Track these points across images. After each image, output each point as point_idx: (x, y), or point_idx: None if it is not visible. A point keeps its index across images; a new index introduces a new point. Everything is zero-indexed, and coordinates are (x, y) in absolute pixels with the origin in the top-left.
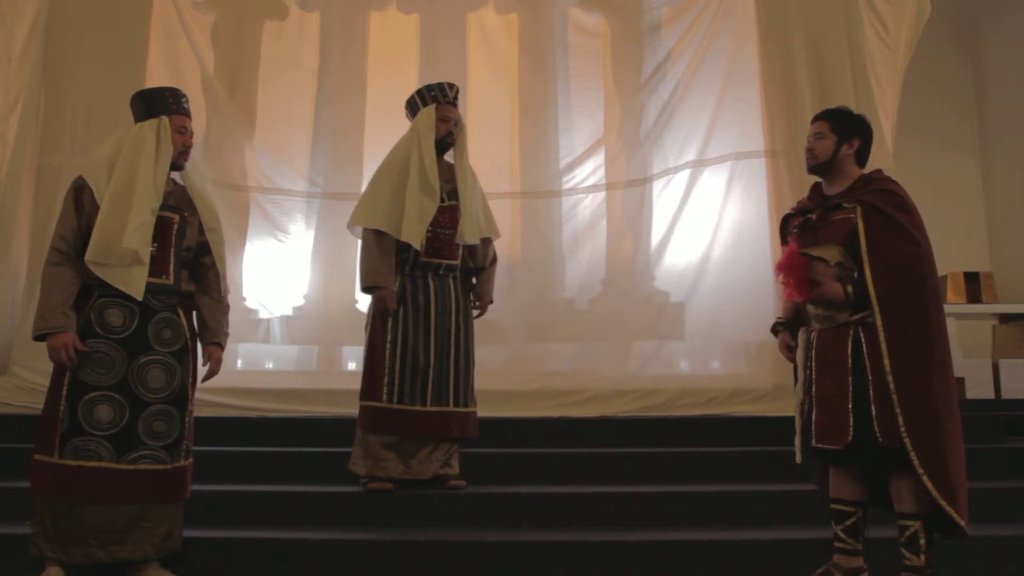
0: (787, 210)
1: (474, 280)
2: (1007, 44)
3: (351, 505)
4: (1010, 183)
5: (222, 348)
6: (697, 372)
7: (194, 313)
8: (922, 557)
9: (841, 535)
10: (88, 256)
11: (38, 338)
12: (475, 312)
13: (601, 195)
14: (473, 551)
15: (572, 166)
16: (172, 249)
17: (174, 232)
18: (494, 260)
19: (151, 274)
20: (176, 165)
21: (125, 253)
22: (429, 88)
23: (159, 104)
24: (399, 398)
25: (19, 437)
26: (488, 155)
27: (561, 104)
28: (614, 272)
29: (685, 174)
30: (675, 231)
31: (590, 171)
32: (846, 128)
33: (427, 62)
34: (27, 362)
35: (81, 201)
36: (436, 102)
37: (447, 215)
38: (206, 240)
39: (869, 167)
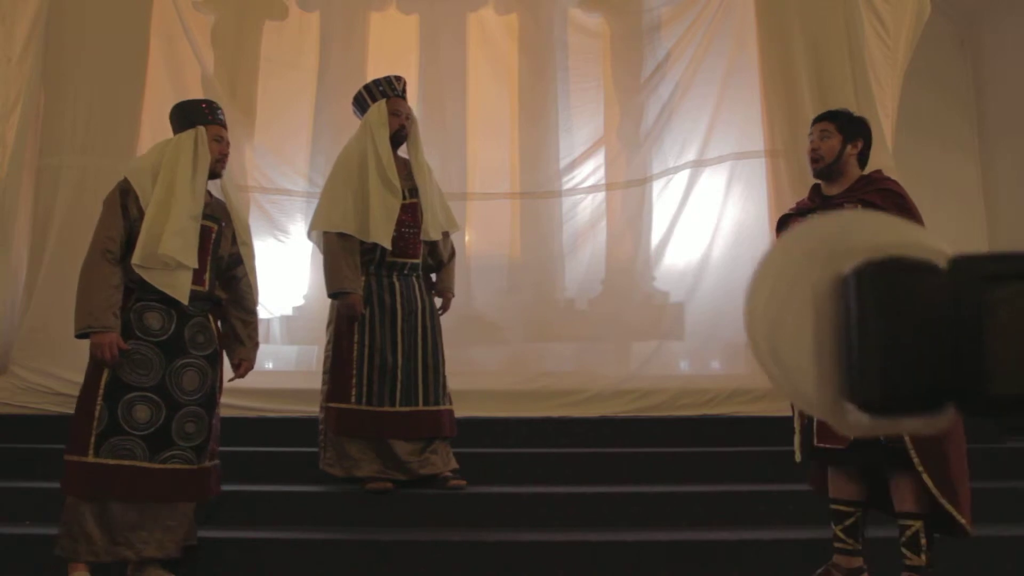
0: (787, 210)
1: (433, 277)
2: (1007, 44)
3: (351, 505)
4: (1010, 183)
5: (252, 362)
6: (697, 372)
7: (220, 322)
8: (923, 557)
9: (840, 535)
10: (135, 260)
11: (81, 335)
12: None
13: (601, 195)
14: (473, 551)
15: (572, 166)
16: (209, 257)
17: (212, 241)
18: (452, 255)
19: None
20: (214, 173)
21: (165, 259)
22: (377, 83)
23: (195, 115)
24: (368, 399)
25: (19, 437)
26: (488, 155)
27: (561, 104)
28: (614, 272)
29: (685, 174)
30: (675, 231)
31: (590, 171)
32: (851, 129)
33: (427, 62)
34: (27, 362)
35: (126, 204)
36: (386, 96)
37: (409, 212)
38: (238, 252)
39: (869, 167)
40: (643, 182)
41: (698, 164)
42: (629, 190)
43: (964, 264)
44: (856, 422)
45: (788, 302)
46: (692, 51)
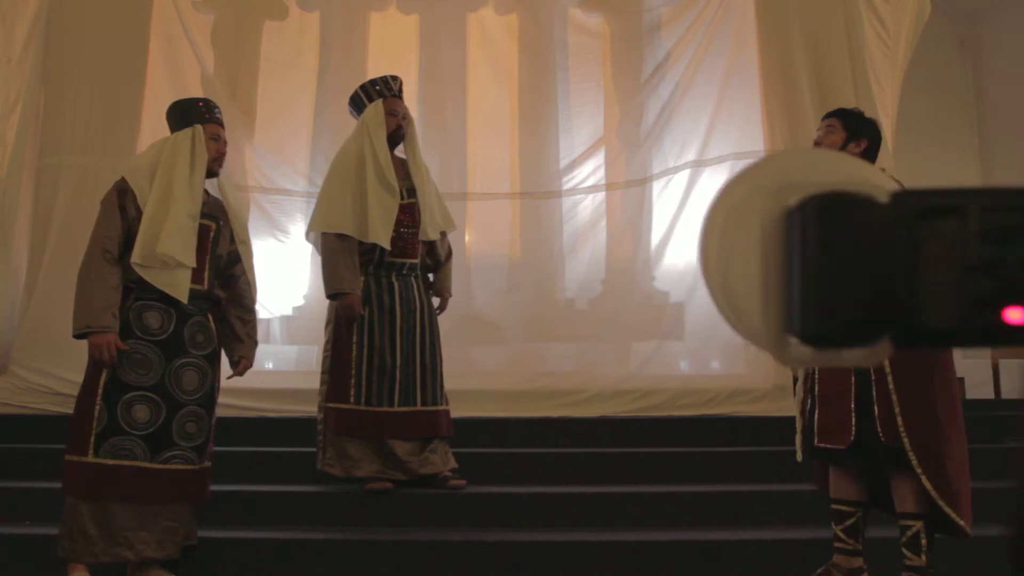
0: None
1: (431, 277)
2: (1007, 44)
3: (351, 505)
4: (1010, 183)
5: (251, 360)
6: (697, 372)
7: (218, 320)
8: (923, 557)
9: (841, 535)
10: (134, 259)
11: (79, 335)
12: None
13: (601, 195)
14: (473, 551)
15: (572, 166)
16: (208, 256)
17: (210, 240)
18: (450, 254)
19: None
20: (211, 172)
21: (164, 258)
22: (373, 82)
23: (193, 113)
24: (367, 399)
25: (19, 437)
26: (488, 155)
27: (561, 104)
28: (614, 272)
29: (685, 174)
30: (675, 231)
31: (590, 171)
32: (856, 127)
33: (427, 63)
34: (27, 362)
35: (124, 204)
36: (382, 96)
37: (407, 213)
38: (236, 250)
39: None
40: (643, 182)
41: (698, 164)
42: (629, 190)
43: (901, 199)
44: (799, 355)
45: (738, 238)
46: (692, 51)
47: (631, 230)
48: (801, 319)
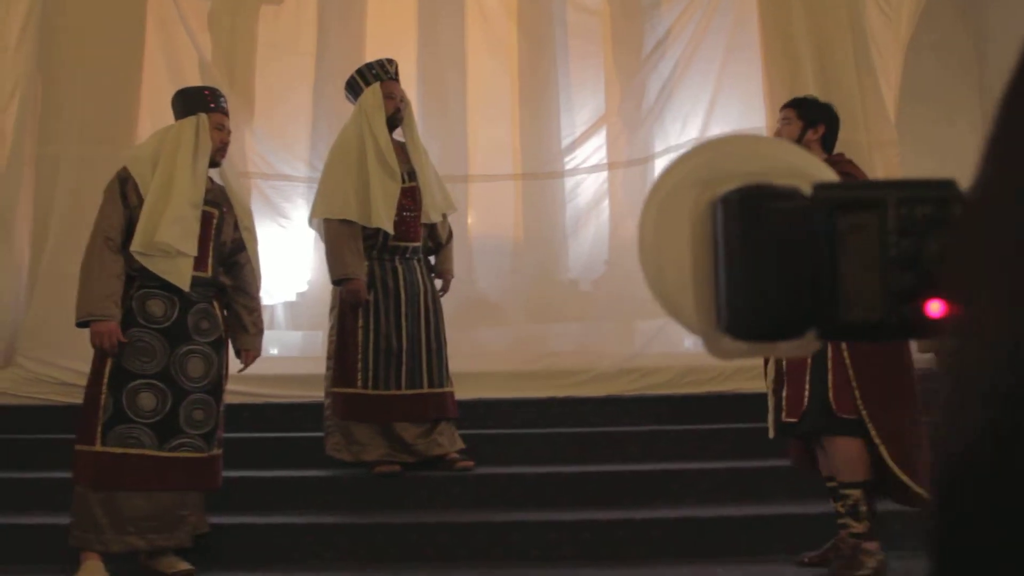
0: None
1: (432, 259)
2: (1009, 12)
3: (360, 489)
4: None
5: (258, 351)
6: (701, 350)
7: (226, 309)
8: (864, 523)
9: (842, 511)
10: (134, 247)
11: (81, 324)
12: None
13: (603, 175)
14: (480, 531)
15: (574, 146)
16: (211, 243)
17: (213, 227)
18: (450, 236)
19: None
20: (214, 161)
21: (163, 247)
22: (369, 66)
23: (197, 102)
24: (374, 383)
25: (24, 428)
26: (489, 136)
27: (561, 84)
28: (618, 252)
29: None
30: None
31: (592, 151)
32: (811, 114)
33: (425, 43)
34: (32, 353)
35: (126, 192)
36: (379, 80)
37: (409, 196)
38: (240, 238)
39: (872, 137)
40: (645, 161)
41: (700, 142)
42: (631, 169)
43: (821, 192)
44: (733, 348)
45: (669, 231)
46: (692, 28)
47: (634, 210)
48: (727, 315)
